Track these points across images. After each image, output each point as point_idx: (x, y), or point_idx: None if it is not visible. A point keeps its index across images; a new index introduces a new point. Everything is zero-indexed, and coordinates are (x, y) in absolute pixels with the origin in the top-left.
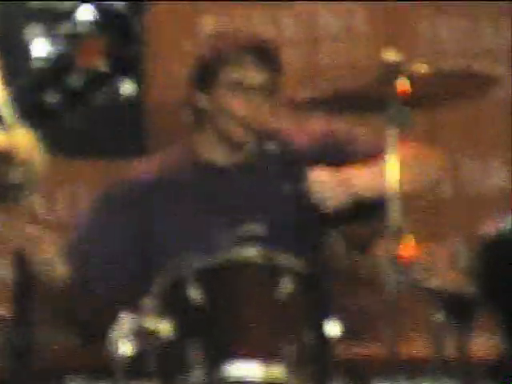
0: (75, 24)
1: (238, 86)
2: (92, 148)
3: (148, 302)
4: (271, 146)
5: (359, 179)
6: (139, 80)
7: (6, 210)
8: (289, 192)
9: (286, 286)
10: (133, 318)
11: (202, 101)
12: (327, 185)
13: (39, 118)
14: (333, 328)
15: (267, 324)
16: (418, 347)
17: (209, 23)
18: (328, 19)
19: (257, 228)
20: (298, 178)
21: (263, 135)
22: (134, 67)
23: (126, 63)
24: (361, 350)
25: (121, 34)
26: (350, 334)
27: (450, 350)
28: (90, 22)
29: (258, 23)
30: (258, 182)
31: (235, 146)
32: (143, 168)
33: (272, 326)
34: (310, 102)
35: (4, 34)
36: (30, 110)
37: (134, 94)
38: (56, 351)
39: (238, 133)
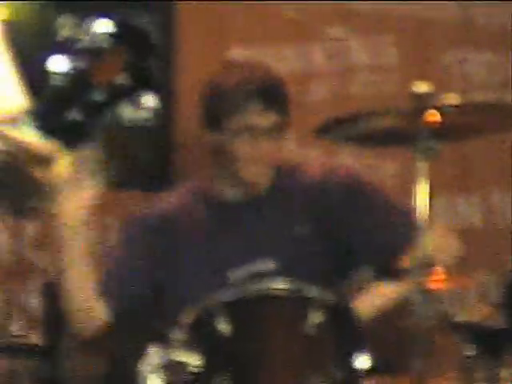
0: (92, 38)
1: (245, 131)
2: (120, 179)
3: (176, 335)
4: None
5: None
6: (161, 94)
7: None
8: (302, 231)
9: (315, 318)
10: (161, 351)
11: (212, 141)
12: None
13: (64, 135)
14: (362, 361)
15: (295, 357)
16: (447, 381)
17: (237, 56)
18: (358, 52)
19: (270, 264)
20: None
21: (273, 174)
22: (155, 81)
23: (147, 76)
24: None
25: (140, 47)
26: (379, 367)
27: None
28: (108, 35)
29: (289, 55)
30: (271, 220)
31: (247, 185)
32: (161, 203)
33: (300, 359)
34: (338, 134)
35: (21, 51)
36: (54, 128)
37: (157, 108)
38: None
39: (248, 174)
